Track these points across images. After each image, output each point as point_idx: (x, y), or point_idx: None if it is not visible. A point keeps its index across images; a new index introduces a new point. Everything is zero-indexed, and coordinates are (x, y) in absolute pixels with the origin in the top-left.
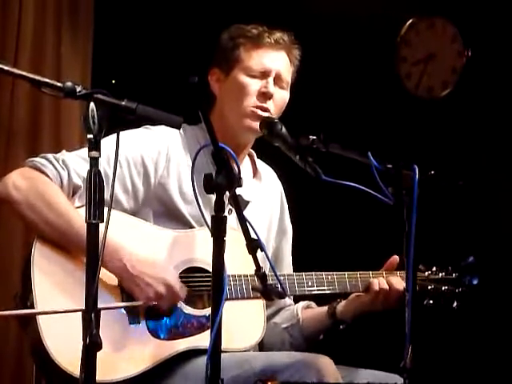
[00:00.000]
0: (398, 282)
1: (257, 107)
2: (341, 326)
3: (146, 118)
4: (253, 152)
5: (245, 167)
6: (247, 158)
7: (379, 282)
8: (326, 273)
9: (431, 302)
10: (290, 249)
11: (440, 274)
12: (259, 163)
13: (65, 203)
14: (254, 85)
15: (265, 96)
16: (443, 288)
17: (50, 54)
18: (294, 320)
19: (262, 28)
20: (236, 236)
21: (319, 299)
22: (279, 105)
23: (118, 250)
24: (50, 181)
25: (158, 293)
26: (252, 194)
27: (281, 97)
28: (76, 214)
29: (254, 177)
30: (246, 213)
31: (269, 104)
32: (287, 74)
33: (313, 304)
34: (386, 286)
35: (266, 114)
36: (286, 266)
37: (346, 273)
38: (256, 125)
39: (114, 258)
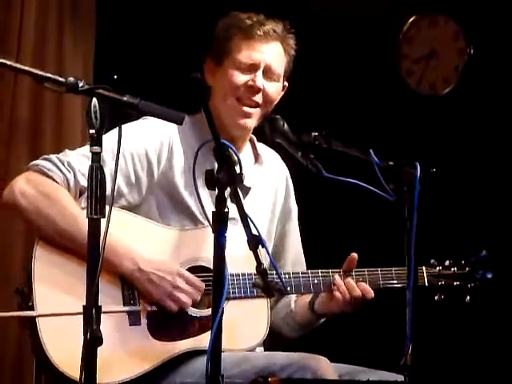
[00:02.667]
0: (353, 287)
1: (243, 103)
2: (323, 319)
3: (148, 113)
4: (253, 136)
5: (245, 153)
6: (248, 144)
7: (341, 290)
8: (333, 270)
9: (442, 297)
10: (296, 230)
11: (452, 269)
12: (261, 147)
13: (74, 208)
14: (241, 78)
15: (252, 90)
16: (455, 283)
17: (52, 50)
18: (288, 309)
19: (257, 18)
20: (241, 232)
21: None
22: (270, 97)
23: (129, 252)
24: (58, 185)
25: (175, 285)
26: (253, 179)
27: (271, 89)
28: (85, 219)
29: (255, 162)
30: (247, 199)
31: (257, 97)
32: (278, 65)
33: None
34: (347, 296)
35: (252, 110)
36: (291, 250)
37: (354, 270)
38: (244, 122)
39: (126, 258)
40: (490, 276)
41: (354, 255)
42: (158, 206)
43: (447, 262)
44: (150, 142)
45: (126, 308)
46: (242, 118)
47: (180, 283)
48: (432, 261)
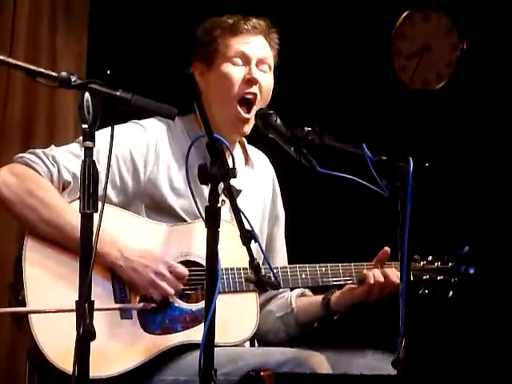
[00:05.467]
0: (393, 273)
1: (244, 93)
2: (335, 317)
3: (140, 108)
4: (243, 138)
5: (236, 155)
6: (238, 146)
7: (374, 274)
8: (320, 265)
9: (426, 291)
10: (282, 235)
11: (436, 264)
12: (250, 149)
13: (58, 199)
14: (237, 72)
15: (250, 82)
16: (438, 278)
17: (44, 45)
18: (288, 309)
19: (237, 17)
20: (229, 228)
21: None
22: (266, 89)
23: (113, 241)
24: (41, 177)
25: (158, 272)
26: (244, 182)
27: (266, 81)
28: (70, 210)
29: (245, 164)
30: (238, 202)
31: (254, 89)
32: (269, 57)
33: (307, 291)
34: (381, 279)
35: (249, 116)
36: (280, 252)
37: (340, 264)
38: (242, 127)
39: (110, 247)
40: (472, 271)
41: (387, 249)
42: (146, 210)
43: (430, 257)
44: (136, 145)
45: (118, 305)
46: (241, 125)
47: (163, 270)
48: (416, 256)
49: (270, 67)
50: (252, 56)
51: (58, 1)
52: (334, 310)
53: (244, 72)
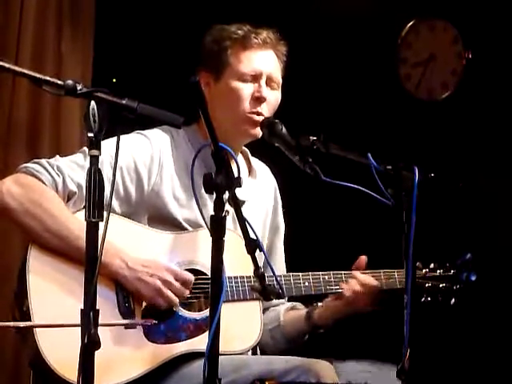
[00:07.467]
0: (368, 278)
1: (251, 112)
2: (320, 330)
3: (146, 116)
4: (246, 150)
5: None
6: (241, 157)
7: (349, 285)
8: (323, 272)
9: (429, 299)
10: (282, 246)
11: (438, 272)
12: (253, 160)
13: (62, 209)
14: (246, 89)
15: (259, 100)
16: (441, 285)
17: (50, 53)
18: (276, 323)
19: (247, 28)
20: (232, 237)
21: (311, 298)
22: (273, 106)
23: (117, 252)
24: (46, 187)
25: (163, 279)
26: (247, 192)
27: (274, 98)
28: (75, 220)
29: (249, 175)
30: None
31: (263, 107)
32: (278, 73)
33: (298, 305)
34: (357, 287)
35: (261, 118)
36: (279, 263)
37: (343, 272)
38: (253, 131)
39: (115, 257)
40: (474, 278)
41: (363, 257)
42: (149, 220)
43: (432, 265)
44: (140, 155)
45: (125, 321)
46: (252, 126)
47: (168, 278)
48: (418, 263)
49: (278, 84)
50: (262, 73)
51: (64, 8)
52: (318, 324)
53: (253, 89)
